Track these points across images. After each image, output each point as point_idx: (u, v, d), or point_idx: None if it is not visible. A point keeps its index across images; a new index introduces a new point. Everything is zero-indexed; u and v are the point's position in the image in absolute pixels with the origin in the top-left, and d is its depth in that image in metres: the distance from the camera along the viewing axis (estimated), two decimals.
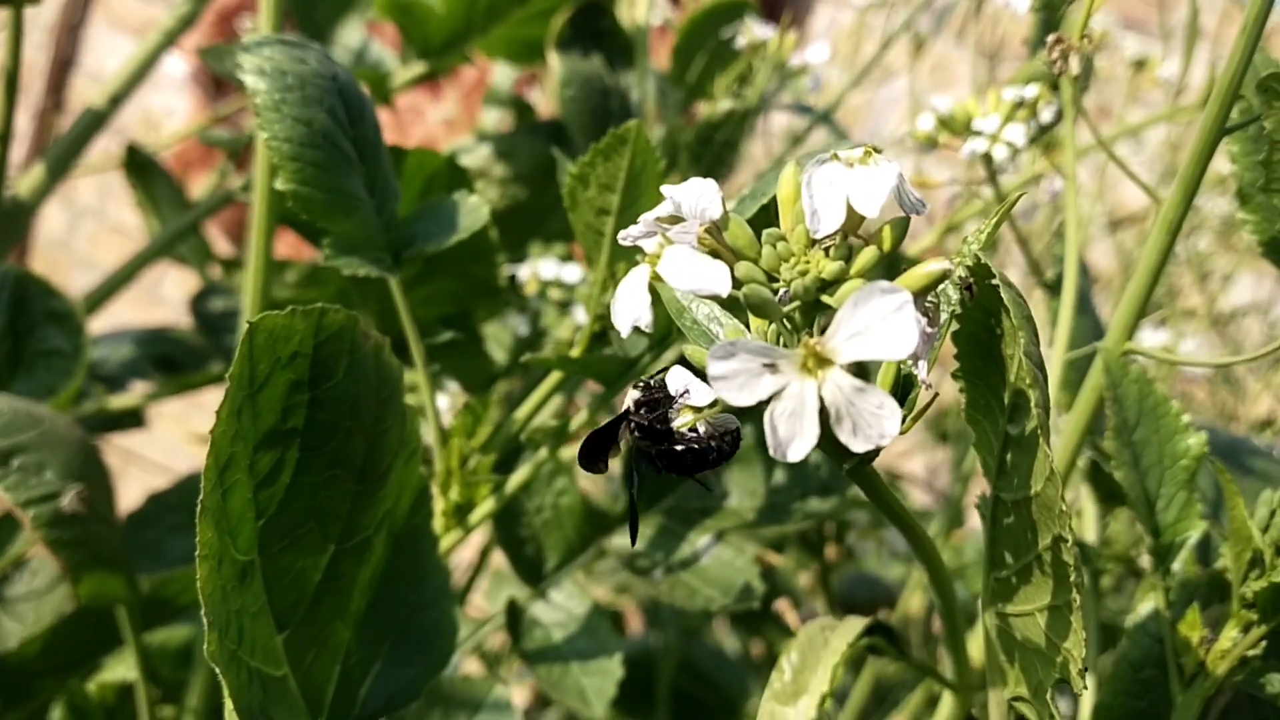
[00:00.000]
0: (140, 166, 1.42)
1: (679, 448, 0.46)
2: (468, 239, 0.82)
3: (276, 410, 0.55)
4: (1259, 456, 0.92)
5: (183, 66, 3.30)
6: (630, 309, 0.39)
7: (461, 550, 0.91)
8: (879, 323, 0.34)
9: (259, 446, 0.55)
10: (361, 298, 1.00)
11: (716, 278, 0.37)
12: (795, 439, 0.35)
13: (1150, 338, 1.44)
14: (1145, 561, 0.90)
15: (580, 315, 1.01)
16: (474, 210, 0.73)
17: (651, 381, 0.45)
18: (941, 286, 0.48)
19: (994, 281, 0.41)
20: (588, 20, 1.08)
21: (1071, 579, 0.40)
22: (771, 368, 0.35)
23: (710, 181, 0.39)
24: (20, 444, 0.79)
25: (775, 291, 0.39)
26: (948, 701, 0.73)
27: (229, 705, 0.51)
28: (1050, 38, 0.60)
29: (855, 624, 0.64)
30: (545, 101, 1.47)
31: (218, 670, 0.50)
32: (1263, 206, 0.61)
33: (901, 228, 0.39)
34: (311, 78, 0.67)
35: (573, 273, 1.01)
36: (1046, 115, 0.79)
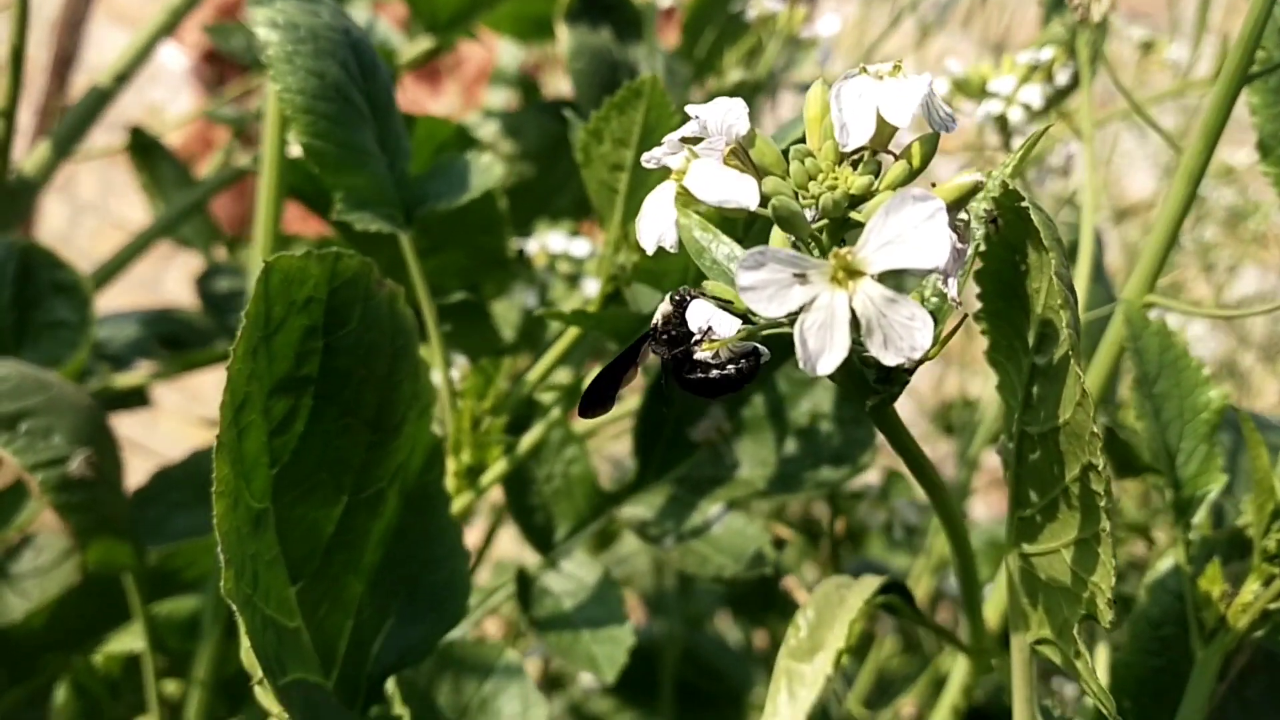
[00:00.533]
0: (145, 149, 1.42)
1: (711, 372, 0.46)
2: (477, 207, 0.82)
3: (291, 356, 0.54)
4: (1271, 430, 0.91)
5: (182, 61, 3.30)
6: (655, 224, 0.39)
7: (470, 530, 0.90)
8: (910, 230, 0.34)
9: (273, 391, 0.54)
10: None
11: (744, 190, 0.36)
12: (825, 351, 0.35)
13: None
14: (1162, 525, 0.90)
15: (590, 288, 1.00)
16: (486, 169, 0.73)
17: (683, 294, 0.45)
18: (965, 220, 0.48)
19: (1023, 205, 0.40)
20: None
21: (1102, 505, 0.39)
22: (801, 278, 0.34)
23: (738, 99, 0.39)
24: (28, 408, 0.79)
25: (803, 208, 0.38)
26: (962, 665, 0.73)
27: (245, 644, 0.50)
28: None
29: (871, 581, 0.64)
30: (552, 85, 1.46)
31: (234, 607, 0.49)
32: None
33: (931, 143, 0.38)
34: (324, 30, 0.66)
35: (581, 246, 1.00)
36: (1062, 78, 0.79)
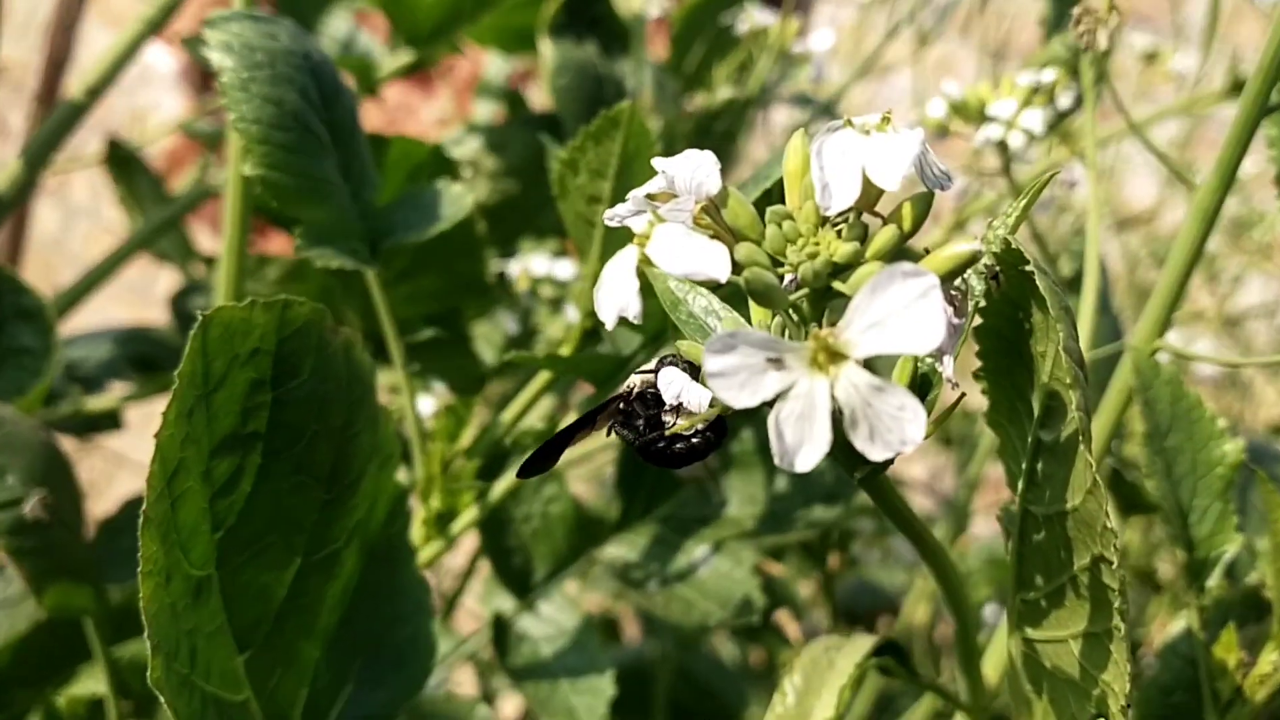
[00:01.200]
0: (121, 161, 1.38)
1: (673, 445, 0.42)
2: (452, 232, 0.78)
3: (235, 412, 0.50)
4: None
5: (171, 63, 3.26)
6: (615, 297, 0.35)
7: (453, 555, 0.86)
8: (901, 311, 0.30)
9: (216, 451, 0.50)
10: (345, 294, 0.96)
11: (713, 260, 0.32)
12: (804, 445, 0.31)
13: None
14: (1168, 573, 0.86)
15: (573, 313, 0.96)
16: (457, 199, 0.69)
17: (657, 368, 0.41)
18: (963, 276, 0.44)
19: (1027, 269, 0.36)
20: (582, 6, 1.03)
21: (1115, 604, 0.36)
22: (777, 363, 0.30)
23: (708, 153, 0.35)
24: None
25: (780, 278, 0.34)
26: None
27: None
28: (1077, 8, 0.56)
29: (862, 643, 0.60)
30: (540, 96, 1.42)
31: (162, 698, 0.45)
32: None
33: (924, 204, 0.34)
34: (283, 55, 0.62)
35: (565, 269, 0.96)
36: (1064, 101, 0.75)
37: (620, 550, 0.83)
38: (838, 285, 0.33)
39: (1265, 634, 0.57)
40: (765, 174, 0.49)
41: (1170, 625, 0.59)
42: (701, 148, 0.90)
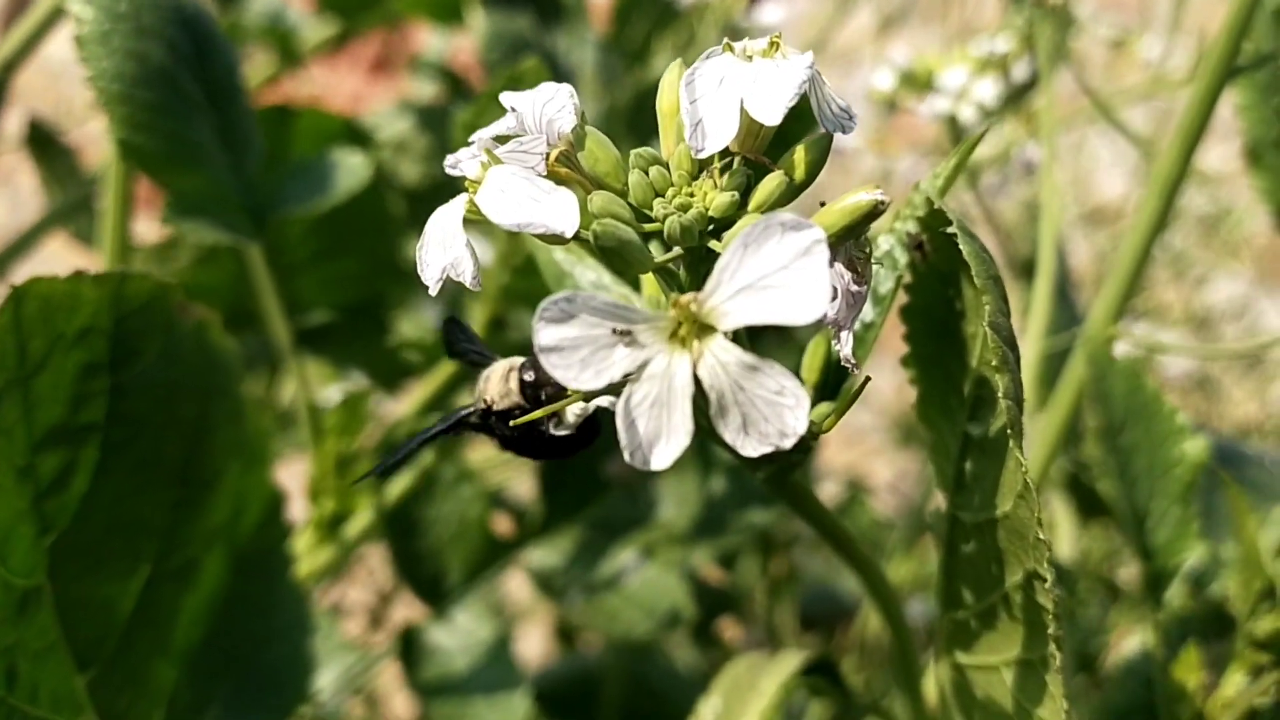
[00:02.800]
0: (41, 142, 1.31)
1: (543, 442, 0.36)
2: (366, 211, 0.72)
3: (63, 400, 0.44)
4: (1251, 464, 0.82)
5: None
6: (440, 254, 0.29)
7: None
8: (779, 272, 0.24)
9: (40, 445, 0.44)
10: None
11: (554, 211, 0.26)
12: (660, 439, 0.25)
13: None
14: (1131, 577, 0.80)
15: None
16: (354, 169, 0.63)
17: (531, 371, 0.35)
18: (885, 248, 0.38)
19: (951, 230, 0.31)
20: None
21: (1049, 629, 0.30)
22: (627, 336, 0.24)
23: (563, 86, 0.29)
24: None
25: (651, 236, 0.28)
26: None
27: None
28: None
29: (788, 662, 0.54)
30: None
31: None
32: (1275, 167, 0.51)
33: (820, 149, 0.28)
34: (150, 6, 0.56)
35: (489, 253, 0.90)
36: (1020, 73, 0.69)
37: (543, 555, 0.76)
38: (715, 245, 0.27)
39: (1230, 652, 0.51)
40: None
41: (1126, 643, 0.53)
42: (640, 126, 0.82)
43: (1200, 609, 0.53)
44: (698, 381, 0.25)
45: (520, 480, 0.88)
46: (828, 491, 1.28)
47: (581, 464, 0.78)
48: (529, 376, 0.36)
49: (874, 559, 0.42)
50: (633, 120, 0.97)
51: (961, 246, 0.30)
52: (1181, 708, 0.50)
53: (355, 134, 0.81)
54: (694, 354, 0.25)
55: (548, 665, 1.08)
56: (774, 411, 0.25)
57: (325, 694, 0.71)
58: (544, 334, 0.24)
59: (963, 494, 0.35)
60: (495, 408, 0.36)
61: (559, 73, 0.98)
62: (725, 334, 0.25)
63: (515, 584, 1.18)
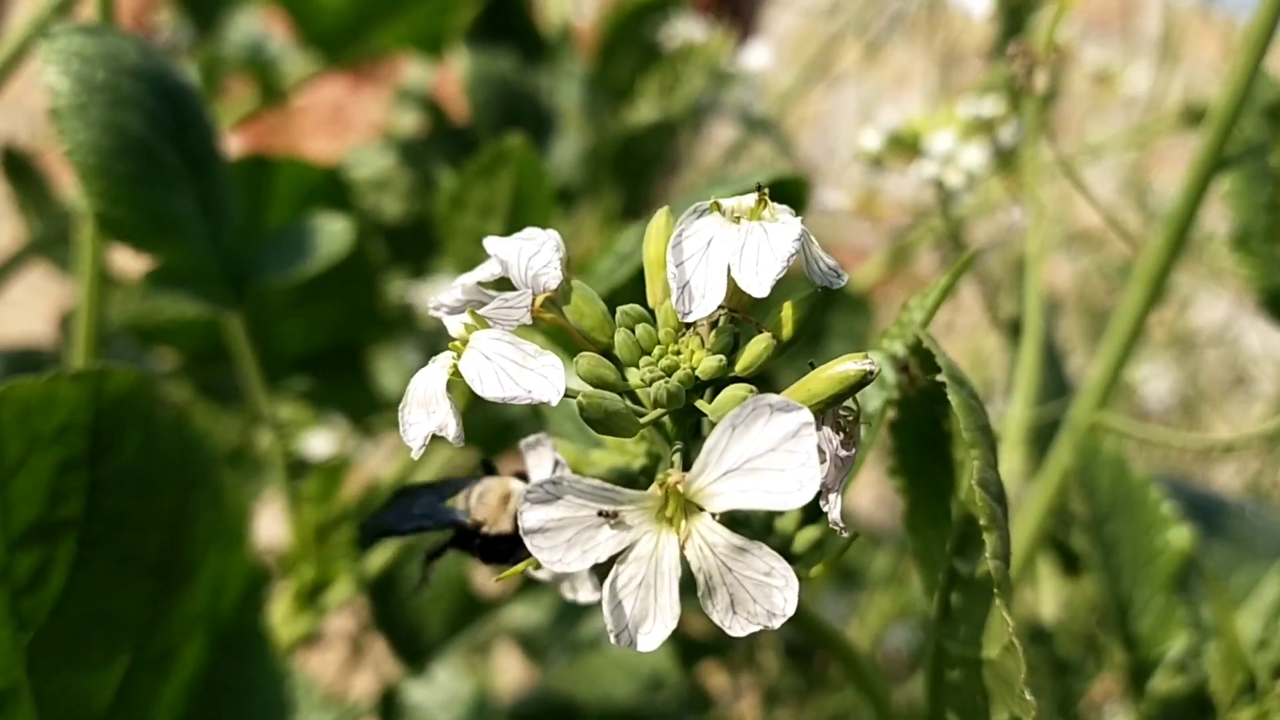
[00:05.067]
0: (17, 168, 1.30)
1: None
2: (347, 260, 0.71)
3: (40, 499, 0.43)
4: (1232, 516, 0.83)
5: None
6: (424, 417, 0.28)
7: None
8: (767, 454, 0.24)
9: (17, 545, 0.43)
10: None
11: (540, 378, 0.26)
12: (646, 620, 0.24)
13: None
14: (1110, 645, 0.80)
15: None
16: (335, 235, 0.62)
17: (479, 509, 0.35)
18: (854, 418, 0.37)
19: (939, 378, 0.30)
20: (500, 14, 0.97)
21: None
22: (613, 517, 0.24)
23: (549, 234, 0.28)
24: None
25: (634, 394, 0.28)
26: None
27: None
28: (1012, 47, 0.50)
29: None
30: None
31: None
32: (1263, 255, 0.51)
33: (808, 307, 0.28)
34: (128, 75, 0.55)
35: None
36: (1006, 136, 0.69)
37: (524, 613, 0.76)
38: (701, 405, 0.27)
39: None
40: (627, 254, 0.42)
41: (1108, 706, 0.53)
42: (625, 171, 0.81)
43: (1183, 690, 0.53)
44: (685, 561, 0.24)
45: None
46: None
47: None
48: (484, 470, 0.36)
49: (867, 665, 0.42)
50: (618, 163, 0.96)
51: (951, 398, 0.29)
52: None
53: (335, 184, 0.80)
54: (681, 534, 0.24)
55: (523, 691, 1.08)
56: (762, 593, 0.24)
57: None
58: (529, 516, 0.24)
59: (949, 625, 0.35)
60: (485, 530, 0.35)
61: (542, 113, 0.98)
62: (713, 515, 0.24)
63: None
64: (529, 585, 0.77)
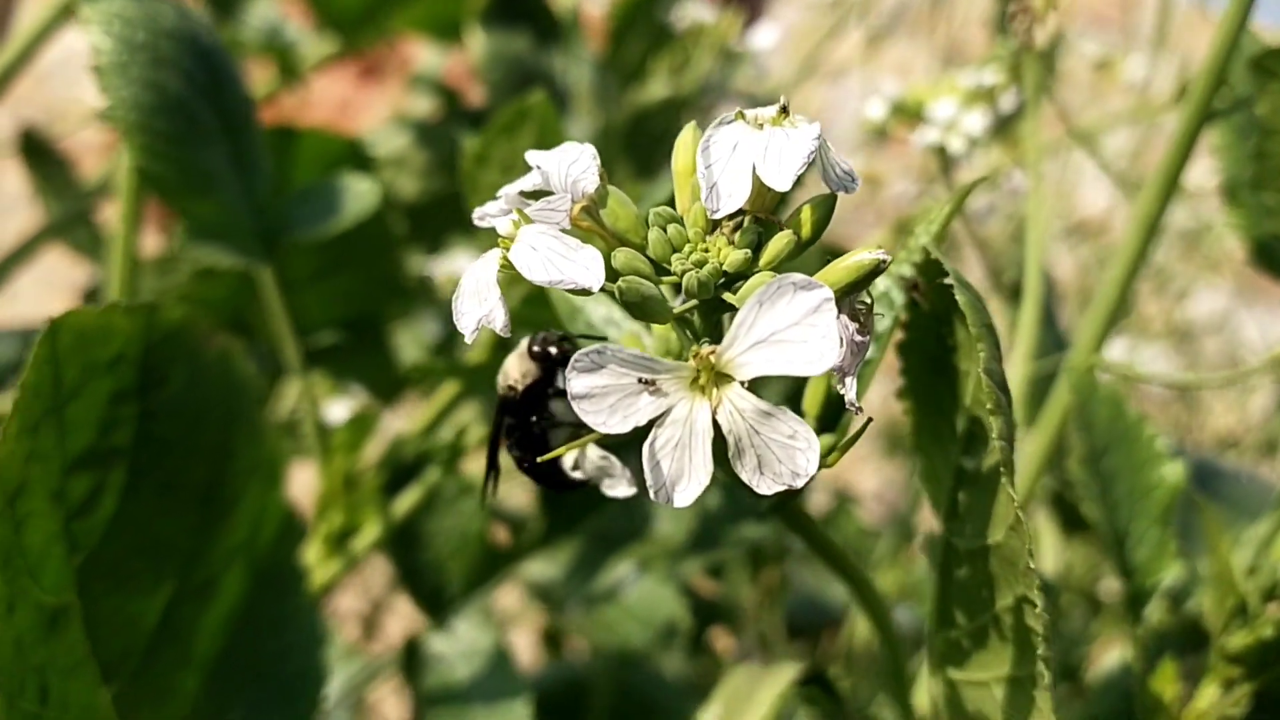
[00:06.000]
0: (35, 151, 1.32)
1: (560, 475, 0.38)
2: (367, 230, 0.73)
3: (93, 425, 0.46)
4: (1228, 480, 0.85)
5: None
6: (476, 305, 0.31)
7: None
8: (791, 327, 0.26)
9: (72, 468, 0.45)
10: (257, 295, 0.91)
11: (582, 268, 0.28)
12: (682, 479, 0.27)
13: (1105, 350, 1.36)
14: (1112, 588, 0.83)
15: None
16: (362, 194, 0.65)
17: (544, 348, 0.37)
18: (882, 289, 0.40)
19: (947, 281, 0.33)
20: None
21: (1038, 650, 0.32)
22: (651, 385, 0.27)
23: (586, 146, 0.31)
24: None
25: (663, 290, 0.30)
26: None
27: None
28: (1013, 4, 0.53)
29: (784, 673, 0.56)
30: (478, 91, 1.38)
31: None
32: (1250, 205, 0.53)
33: (826, 208, 0.30)
34: (167, 36, 0.58)
35: None
36: (1007, 104, 0.71)
37: (542, 568, 0.79)
38: (728, 297, 0.30)
39: (1205, 665, 0.54)
40: (662, 188, 0.45)
41: (1107, 655, 0.56)
42: (636, 147, 0.85)
43: (1177, 624, 0.56)
44: (716, 426, 0.27)
45: (518, 493, 0.90)
46: (816, 500, 1.31)
47: None
48: (537, 347, 0.38)
49: (865, 573, 0.45)
50: (629, 140, 0.99)
51: (957, 297, 0.32)
52: (1158, 718, 0.52)
53: (358, 155, 0.83)
54: (713, 401, 0.27)
55: (536, 673, 1.10)
56: (787, 454, 0.27)
57: (329, 702, 0.73)
58: (576, 382, 0.26)
59: (956, 522, 0.37)
60: (518, 388, 0.38)
61: (556, 93, 1.01)
62: (742, 383, 0.27)
63: (503, 591, 1.20)
64: (547, 541, 0.79)
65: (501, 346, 0.65)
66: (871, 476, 2.04)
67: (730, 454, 0.27)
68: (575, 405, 0.26)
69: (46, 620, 0.46)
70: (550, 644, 1.39)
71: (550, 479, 0.39)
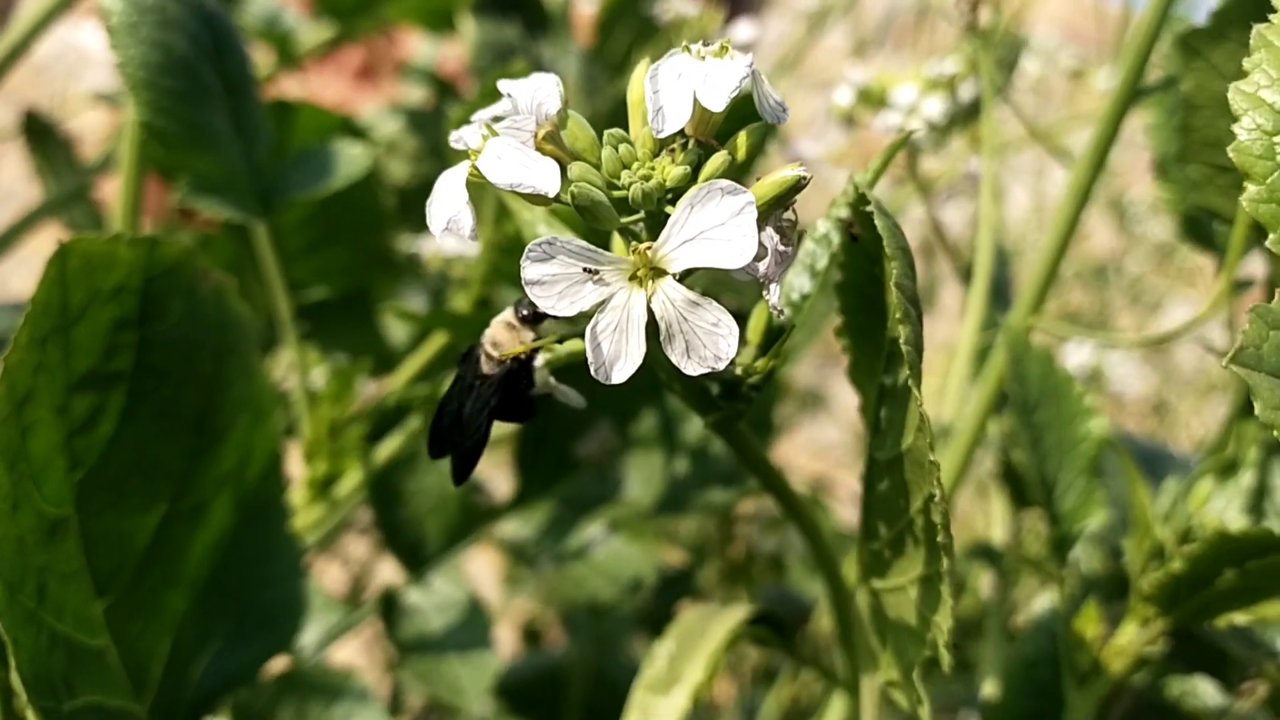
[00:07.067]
0: (37, 132, 1.36)
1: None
2: (358, 202, 0.77)
3: (97, 349, 0.50)
4: (1176, 466, 0.89)
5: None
6: (445, 208, 0.34)
7: None
8: (718, 226, 0.30)
9: (75, 388, 0.49)
10: (254, 265, 0.95)
11: (541, 174, 0.32)
12: (620, 359, 0.31)
13: (1075, 354, 1.41)
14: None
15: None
16: (355, 158, 0.68)
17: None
18: (822, 231, 0.44)
19: (868, 209, 0.37)
20: None
21: (941, 540, 0.36)
22: (595, 275, 0.30)
23: (550, 75, 0.35)
24: None
25: (619, 202, 0.34)
26: (837, 704, 0.69)
27: (15, 674, 0.45)
28: None
29: (737, 611, 0.60)
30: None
31: (2, 631, 0.44)
32: (1178, 179, 0.57)
33: (759, 134, 0.34)
34: (175, 1, 0.62)
35: (476, 249, 0.96)
36: (967, 94, 0.76)
37: (516, 527, 0.82)
38: (670, 210, 0.33)
39: (1126, 609, 0.58)
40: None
41: (1037, 600, 0.60)
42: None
43: (1105, 573, 0.60)
44: (651, 314, 0.31)
45: (496, 474, 0.94)
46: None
47: (555, 443, 0.83)
48: (525, 310, 0.42)
49: (804, 503, 0.48)
50: (612, 123, 1.03)
51: (876, 222, 0.36)
52: (1081, 656, 0.56)
53: (351, 129, 0.87)
54: (648, 291, 0.31)
55: (514, 663, 1.14)
56: (710, 339, 0.31)
57: (310, 650, 0.76)
58: (529, 270, 0.30)
59: (878, 437, 0.41)
60: (496, 354, 0.41)
61: None
62: (674, 276, 0.31)
63: (485, 586, 1.24)
64: (521, 503, 0.83)
65: (483, 305, 0.69)
66: (851, 478, 2.08)
67: (662, 338, 0.31)
68: (528, 290, 0.30)
69: (46, 528, 0.49)
70: (529, 637, 1.42)
71: (516, 402, 0.43)
